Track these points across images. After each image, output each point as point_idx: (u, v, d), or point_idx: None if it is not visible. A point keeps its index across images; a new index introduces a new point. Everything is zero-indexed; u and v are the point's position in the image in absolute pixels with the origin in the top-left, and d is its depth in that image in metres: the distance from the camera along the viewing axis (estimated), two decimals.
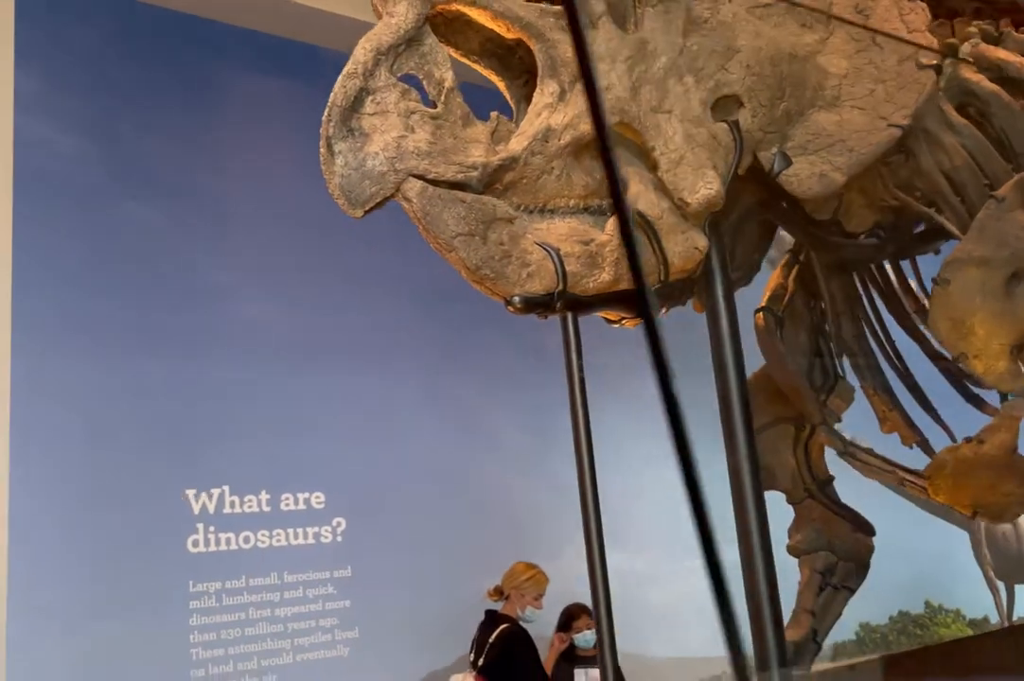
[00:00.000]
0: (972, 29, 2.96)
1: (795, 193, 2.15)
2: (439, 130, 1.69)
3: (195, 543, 5.80)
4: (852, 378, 3.11)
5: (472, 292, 1.81)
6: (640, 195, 1.97)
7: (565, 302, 1.83)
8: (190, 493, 5.85)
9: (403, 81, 1.72)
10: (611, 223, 1.93)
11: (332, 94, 1.60)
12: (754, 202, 2.46)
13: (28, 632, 5.14)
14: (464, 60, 1.95)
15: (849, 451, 2.94)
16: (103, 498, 5.53)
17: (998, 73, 2.73)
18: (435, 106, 1.73)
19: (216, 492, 5.94)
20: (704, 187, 1.99)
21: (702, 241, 2.03)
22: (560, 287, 1.79)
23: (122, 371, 5.71)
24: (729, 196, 2.31)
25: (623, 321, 2.14)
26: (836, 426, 3.13)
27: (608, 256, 1.90)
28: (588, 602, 5.96)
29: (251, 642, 5.86)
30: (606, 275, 1.89)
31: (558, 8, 1.99)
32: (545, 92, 1.89)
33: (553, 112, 1.87)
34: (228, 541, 5.94)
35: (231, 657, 5.78)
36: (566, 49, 1.94)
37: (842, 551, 3.18)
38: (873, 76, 2.34)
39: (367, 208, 1.59)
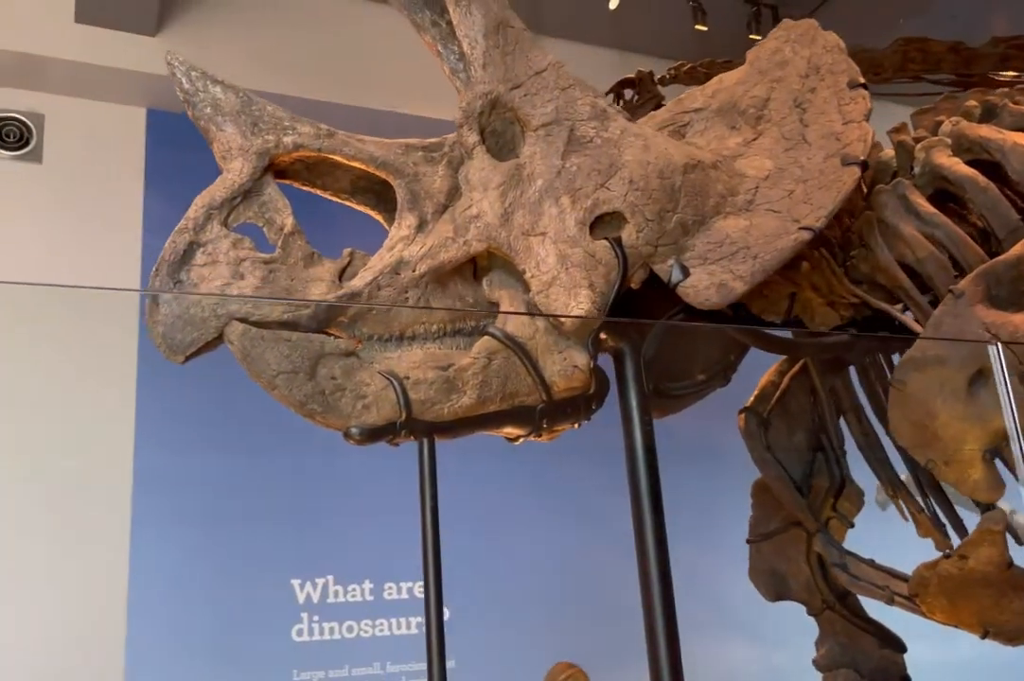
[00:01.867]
0: (972, 103, 2.80)
1: (693, 304, 2.09)
2: (272, 274, 1.79)
3: (299, 632, 6.00)
4: (867, 479, 2.90)
5: None
6: (509, 318, 1.99)
7: (421, 428, 1.86)
8: (295, 582, 6.09)
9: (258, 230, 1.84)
10: (478, 345, 1.96)
11: (163, 250, 1.74)
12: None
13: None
14: (336, 199, 2.06)
15: (842, 563, 2.72)
16: (214, 587, 5.84)
17: (979, 154, 2.56)
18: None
19: (320, 581, 6.15)
20: (576, 307, 1.98)
21: (582, 359, 2.02)
22: (403, 416, 1.82)
23: (236, 460, 6.07)
24: (657, 306, 2.29)
25: (522, 438, 2.13)
26: (848, 531, 2.92)
27: (471, 380, 1.92)
28: None
29: None
30: (467, 399, 1.91)
31: (429, 142, 2.08)
32: (403, 226, 1.96)
33: (409, 244, 1.94)
34: (332, 630, 6.11)
35: None
36: (432, 181, 2.02)
37: (867, 669, 2.92)
38: (795, 176, 2.26)
39: (188, 353, 1.71)
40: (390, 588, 6.32)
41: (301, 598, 6.11)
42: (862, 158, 2.22)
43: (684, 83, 6.09)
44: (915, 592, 2.40)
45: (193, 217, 1.76)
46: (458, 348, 1.97)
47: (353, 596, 6.24)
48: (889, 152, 2.67)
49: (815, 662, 3.03)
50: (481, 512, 6.44)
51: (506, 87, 2.14)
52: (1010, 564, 2.33)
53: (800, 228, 2.13)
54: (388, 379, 1.82)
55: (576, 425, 2.25)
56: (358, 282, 1.85)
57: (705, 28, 7.22)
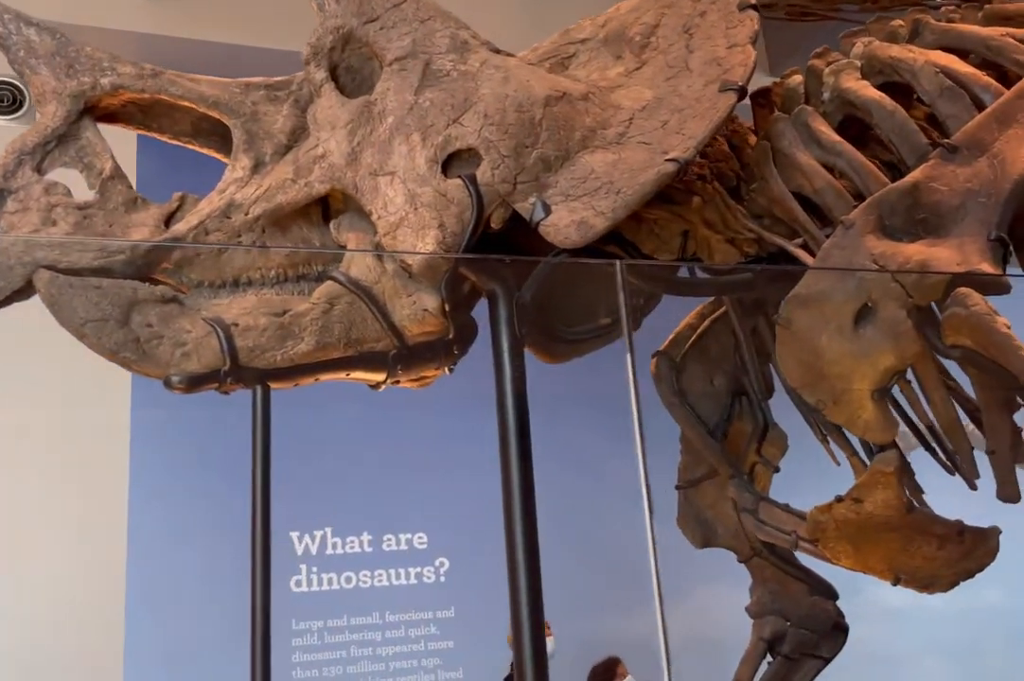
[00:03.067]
0: (898, 22, 2.63)
1: (554, 243, 2.00)
2: (88, 219, 1.75)
3: (298, 583, 6.11)
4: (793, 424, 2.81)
5: None
6: (353, 261, 1.93)
7: (250, 375, 1.82)
8: (294, 535, 6.18)
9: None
10: (318, 290, 1.91)
11: None
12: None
13: (142, 663, 5.60)
14: (177, 142, 2.01)
15: (753, 508, 2.64)
16: (212, 539, 5.95)
17: (891, 75, 2.41)
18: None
19: (319, 533, 6.23)
20: (423, 248, 1.92)
21: (432, 302, 1.95)
22: (227, 363, 1.78)
23: (233, 413, 6.13)
24: (533, 244, 2.21)
25: (381, 384, 2.09)
26: (773, 475, 2.84)
27: (308, 326, 1.87)
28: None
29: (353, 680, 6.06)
30: (304, 346, 1.87)
31: (275, 80, 2.01)
32: (236, 167, 1.91)
33: (243, 186, 1.89)
34: (330, 581, 6.20)
35: None
36: (273, 121, 1.95)
37: (796, 616, 2.85)
38: (673, 106, 2.14)
39: None
40: (388, 539, 6.38)
41: (300, 550, 6.20)
42: (740, 83, 2.09)
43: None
44: (814, 537, 2.32)
45: (2, 164, 1.72)
46: (300, 294, 1.92)
47: (352, 548, 6.32)
48: (798, 78, 2.52)
49: (747, 609, 2.97)
50: (478, 460, 6.45)
51: (360, 21, 2.05)
52: (910, 507, 2.24)
53: (666, 160, 2.02)
54: (211, 325, 1.78)
55: (443, 370, 2.20)
56: (182, 226, 1.81)
57: None
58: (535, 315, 2.36)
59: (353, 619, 6.18)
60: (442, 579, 6.42)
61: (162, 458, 5.95)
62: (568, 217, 2.00)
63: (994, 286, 2.05)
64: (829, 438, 2.62)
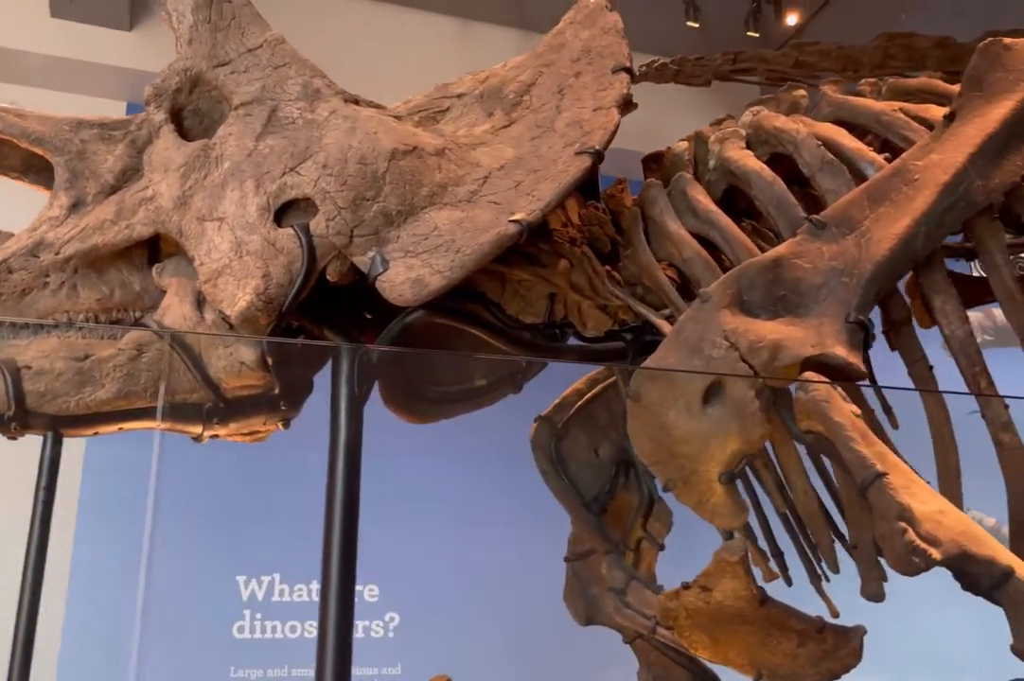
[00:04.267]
0: (800, 92, 2.56)
1: (389, 300, 1.93)
2: None
3: (240, 629, 5.97)
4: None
5: None
6: (170, 308, 1.88)
7: (40, 421, 1.76)
8: (240, 579, 6.06)
9: None
10: (128, 336, 1.85)
11: None
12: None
13: None
14: (6, 177, 1.97)
15: (621, 588, 2.50)
16: (157, 581, 5.84)
17: (775, 146, 2.33)
18: None
19: (266, 579, 6.10)
20: (242, 299, 1.85)
21: (250, 355, 1.88)
22: (12, 408, 1.72)
23: (187, 452, 6.07)
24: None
25: (203, 436, 2.01)
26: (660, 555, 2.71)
27: (111, 372, 1.81)
28: None
29: None
30: (103, 393, 1.80)
31: (112, 120, 1.98)
32: (54, 205, 1.87)
33: (57, 225, 1.85)
34: (274, 629, 6.06)
35: None
36: (102, 160, 1.92)
37: None
38: (530, 166, 2.08)
39: None
40: None
41: (245, 595, 6.08)
42: (596, 147, 2.03)
43: (654, 81, 5.87)
44: (667, 624, 2.19)
45: None
46: (110, 339, 1.86)
47: (299, 596, 6.19)
48: (685, 144, 2.46)
49: None
50: (442, 514, 6.31)
51: (210, 63, 2.02)
52: (763, 599, 2.10)
53: (509, 221, 1.95)
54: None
55: (275, 426, 2.12)
56: None
57: (696, 25, 6.97)
58: (393, 373, 2.28)
59: (295, 670, 6.01)
60: (391, 634, 6.25)
61: (110, 496, 5.89)
62: (404, 274, 1.94)
63: (846, 371, 1.94)
64: None
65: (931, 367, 2.17)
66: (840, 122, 2.37)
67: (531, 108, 2.22)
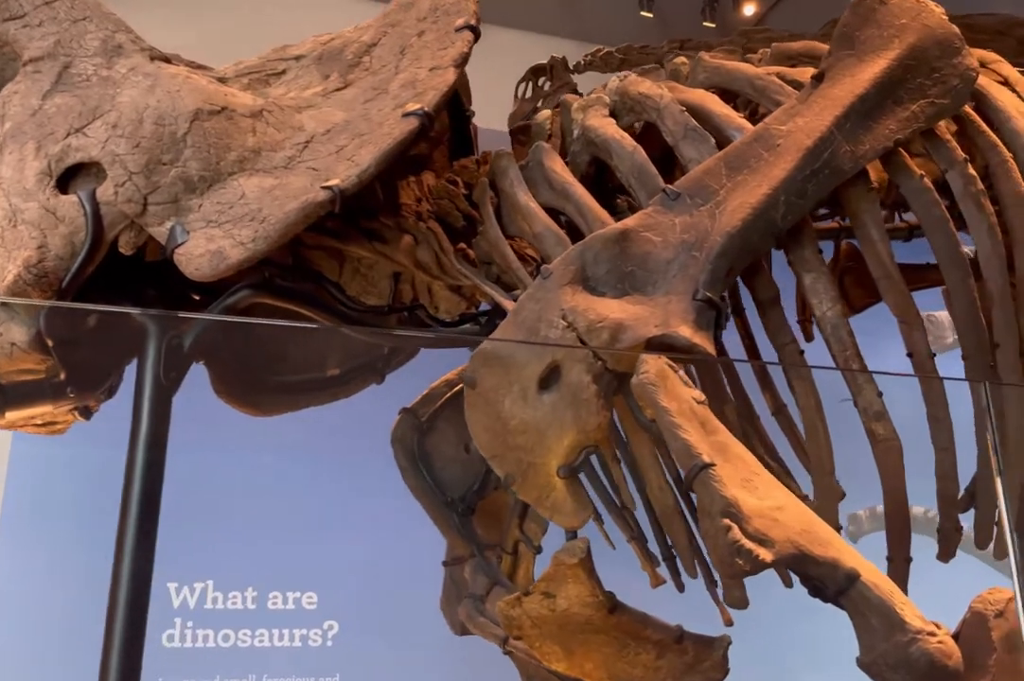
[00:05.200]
0: (681, 59, 2.38)
1: (186, 274, 1.74)
2: None
3: (170, 638, 5.75)
4: None
5: None
6: None
7: None
8: (171, 586, 5.84)
9: None
10: None
11: None
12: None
13: None
14: None
15: (479, 595, 2.31)
16: (83, 587, 5.63)
17: (641, 113, 2.15)
18: None
19: (199, 586, 5.89)
20: (10, 272, 1.67)
21: (22, 335, 1.70)
22: None
23: (117, 455, 5.86)
24: None
25: None
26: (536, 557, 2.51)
27: None
28: None
29: None
30: None
31: None
32: None
33: None
34: (206, 638, 5.83)
35: None
36: None
37: None
38: (356, 130, 1.90)
39: None
40: (275, 597, 6.00)
41: (176, 602, 5.85)
42: (425, 108, 1.84)
43: (599, 70, 5.69)
44: (512, 634, 1.99)
45: None
46: None
47: (234, 603, 5.96)
48: (547, 113, 2.27)
49: None
50: (385, 521, 6.11)
51: (0, 17, 1.84)
52: (613, 606, 1.91)
53: (321, 188, 1.76)
54: None
55: (73, 416, 1.93)
56: None
57: (650, 15, 6.81)
58: (224, 358, 2.09)
59: (226, 680, 5.80)
60: (329, 643, 6.02)
61: (36, 498, 5.67)
62: (204, 246, 1.75)
63: (691, 354, 1.76)
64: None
65: (802, 351, 1.99)
66: (715, 88, 2.20)
67: (370, 70, 2.04)
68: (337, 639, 5.99)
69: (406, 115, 1.85)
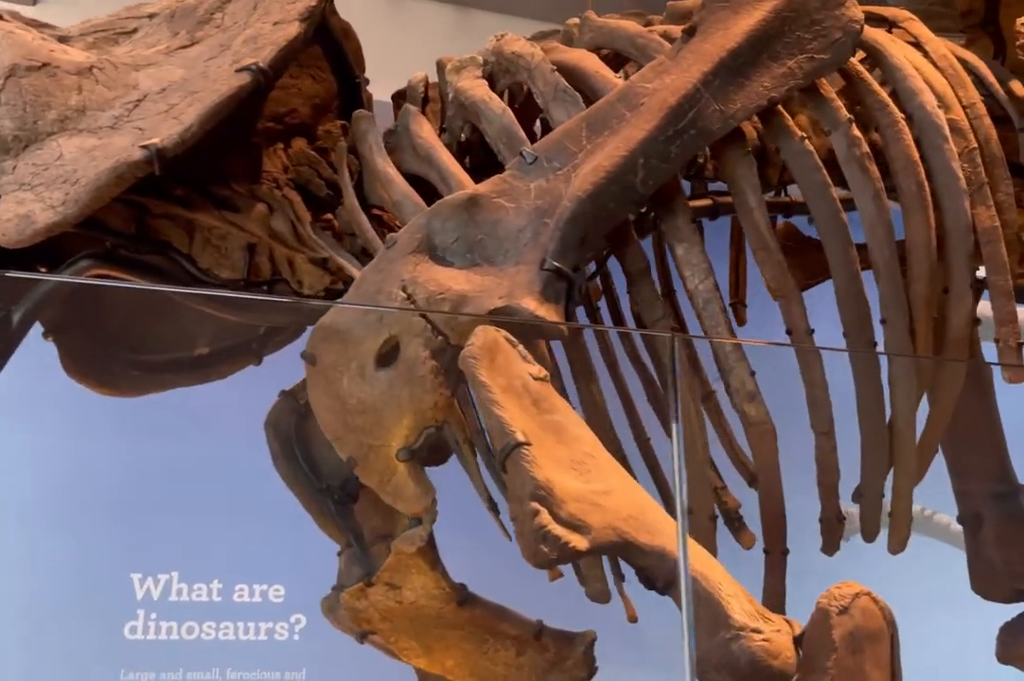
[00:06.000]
0: (574, 20, 2.24)
1: None
2: None
3: (133, 630, 5.67)
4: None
5: None
6: None
7: None
8: (135, 577, 5.76)
9: None
10: None
11: None
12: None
13: None
14: None
15: (349, 585, 2.19)
16: (44, 571, 5.56)
17: (516, 74, 2.01)
18: None
19: (164, 577, 5.80)
20: None
21: None
22: None
23: (78, 445, 5.79)
24: None
25: None
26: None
27: None
28: None
29: None
30: None
31: None
32: None
33: None
34: (170, 630, 5.75)
35: None
36: None
37: None
38: (191, 88, 1.78)
39: None
40: (241, 590, 5.91)
41: (140, 593, 5.77)
42: (260, 64, 1.72)
43: None
44: (360, 627, 1.88)
45: None
46: None
47: (199, 595, 5.88)
48: (420, 75, 2.14)
49: None
50: None
51: None
52: (463, 599, 1.79)
53: (139, 147, 1.65)
54: None
55: None
56: None
57: None
58: (76, 338, 1.98)
59: (190, 673, 5.67)
60: (296, 637, 5.92)
61: None
62: (13, 210, 1.64)
63: (537, 327, 1.63)
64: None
65: (674, 328, 1.85)
66: (598, 48, 2.06)
67: (221, 27, 1.92)
68: (304, 633, 5.89)
69: (239, 71, 1.73)
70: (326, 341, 1.73)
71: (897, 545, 1.92)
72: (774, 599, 1.85)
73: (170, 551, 5.73)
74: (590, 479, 1.45)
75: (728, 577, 1.40)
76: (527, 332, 1.62)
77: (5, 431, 5.56)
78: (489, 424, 1.46)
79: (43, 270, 1.98)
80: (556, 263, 1.65)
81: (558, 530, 1.34)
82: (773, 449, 1.76)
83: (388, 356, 1.69)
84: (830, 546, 1.89)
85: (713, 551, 1.85)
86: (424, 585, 1.76)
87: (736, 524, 1.99)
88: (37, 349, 2.43)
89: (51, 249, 1.89)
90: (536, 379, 1.57)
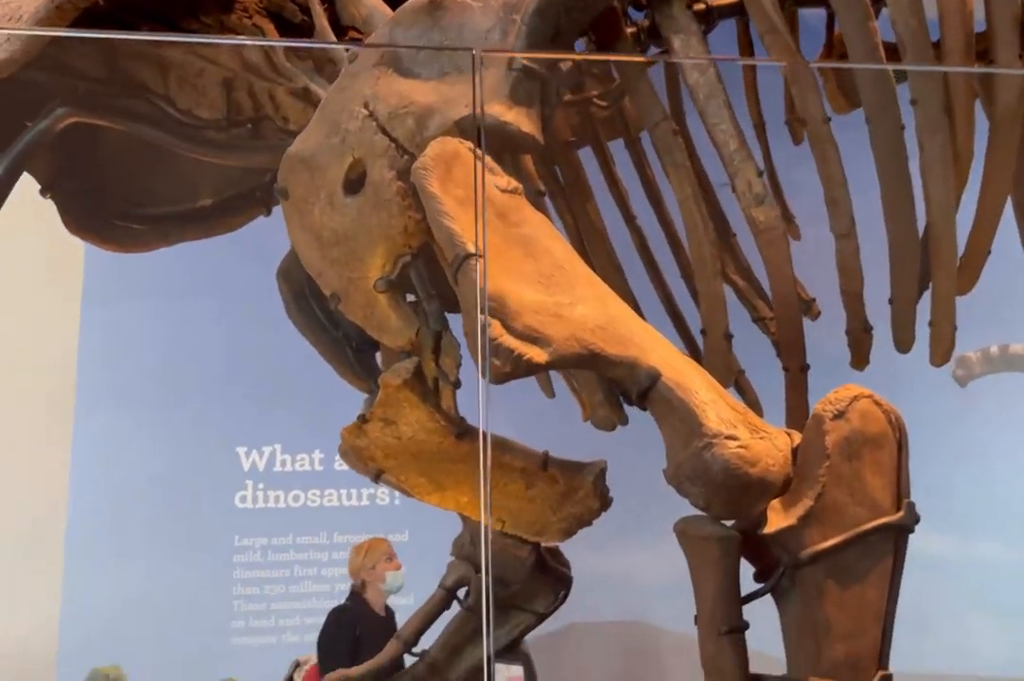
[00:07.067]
0: None
1: None
2: None
3: (243, 499, 5.98)
4: None
5: None
6: None
7: None
8: (240, 450, 6.03)
9: None
10: None
11: None
12: None
13: (84, 570, 5.63)
14: None
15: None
16: (157, 455, 5.87)
17: None
18: None
19: (267, 450, 6.06)
20: None
21: None
22: None
23: (183, 327, 5.96)
24: None
25: None
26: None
27: None
28: None
29: (295, 600, 5.94)
30: None
31: None
32: None
33: None
34: (277, 499, 6.04)
35: (273, 612, 5.90)
36: None
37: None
38: None
39: None
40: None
41: (246, 465, 6.07)
42: None
43: None
44: (364, 464, 1.85)
45: None
46: None
47: (302, 465, 6.14)
48: None
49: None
50: None
51: None
52: (461, 431, 1.74)
53: None
54: None
55: None
56: None
57: None
58: (73, 192, 1.96)
59: (299, 538, 6.03)
60: (396, 502, 6.16)
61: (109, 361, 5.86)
62: None
63: (505, 135, 1.49)
64: None
65: (676, 130, 1.67)
66: None
67: None
68: (405, 497, 6.13)
69: None
70: (293, 172, 1.63)
71: (940, 356, 1.74)
72: (799, 420, 1.73)
73: (271, 424, 5.96)
74: (556, 292, 1.34)
75: (708, 383, 1.28)
76: (497, 144, 1.49)
77: (102, 316, 5.78)
78: (439, 237, 1.36)
79: (27, 124, 1.94)
80: (524, 61, 1.49)
81: (511, 342, 1.25)
82: (786, 256, 1.60)
83: (356, 182, 1.59)
84: (859, 359, 1.73)
85: (730, 373, 1.74)
86: (419, 419, 1.71)
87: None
88: None
89: (28, 99, 1.85)
90: (504, 191, 1.45)
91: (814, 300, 1.89)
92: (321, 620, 5.46)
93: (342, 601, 4.64)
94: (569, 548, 2.49)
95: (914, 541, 1.50)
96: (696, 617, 1.26)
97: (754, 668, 1.24)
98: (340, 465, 6.13)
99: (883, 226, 1.61)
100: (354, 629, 3.99)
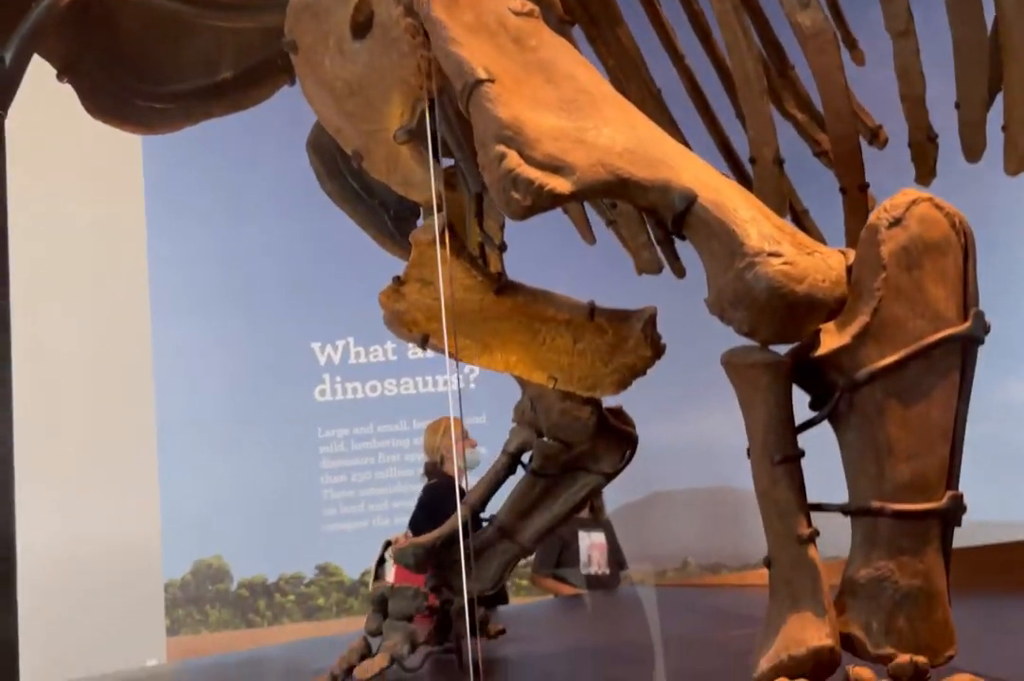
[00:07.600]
0: None
1: None
2: None
3: (322, 393, 6.11)
4: None
5: None
6: None
7: None
8: (315, 346, 6.12)
9: None
10: None
11: None
12: None
13: (178, 470, 5.87)
14: None
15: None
16: (235, 354, 6.00)
17: None
18: None
19: (341, 343, 6.14)
20: None
21: None
22: None
23: (254, 229, 5.99)
24: None
25: None
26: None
27: None
28: None
29: (382, 485, 6.12)
30: None
31: None
32: None
33: None
34: (355, 390, 6.16)
35: (362, 499, 6.10)
36: None
37: (547, 426, 2.37)
38: None
39: None
40: (413, 347, 6.19)
41: (322, 360, 6.17)
42: None
43: None
44: (410, 330, 1.81)
45: None
46: None
47: (375, 357, 6.21)
48: None
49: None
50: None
51: None
52: (501, 286, 1.68)
53: None
54: None
55: None
56: None
57: None
58: (89, 74, 1.90)
59: (380, 427, 6.17)
60: (472, 386, 6.22)
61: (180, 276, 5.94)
62: None
63: None
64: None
65: None
66: None
67: None
68: (479, 381, 6.18)
69: None
70: (299, 21, 1.54)
71: (1016, 163, 1.59)
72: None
73: (341, 319, 6.02)
74: (580, 117, 1.24)
75: (748, 201, 1.18)
76: None
77: (168, 223, 5.80)
78: (447, 68, 1.26)
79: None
80: None
81: (530, 172, 1.16)
82: (837, 63, 1.46)
83: (364, 25, 1.49)
84: (924, 173, 1.60)
85: (782, 199, 1.63)
86: (455, 277, 1.65)
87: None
88: None
89: None
90: (518, 14, 1.33)
91: (880, 127, 1.74)
92: (407, 504, 5.61)
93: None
94: (642, 417, 2.44)
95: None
96: (748, 450, 1.20)
97: None
98: (414, 353, 6.23)
99: (945, 19, 1.45)
100: (446, 501, 4.09)
